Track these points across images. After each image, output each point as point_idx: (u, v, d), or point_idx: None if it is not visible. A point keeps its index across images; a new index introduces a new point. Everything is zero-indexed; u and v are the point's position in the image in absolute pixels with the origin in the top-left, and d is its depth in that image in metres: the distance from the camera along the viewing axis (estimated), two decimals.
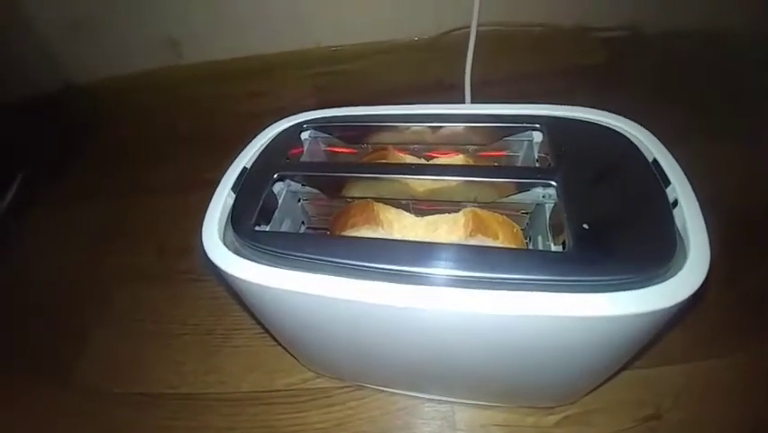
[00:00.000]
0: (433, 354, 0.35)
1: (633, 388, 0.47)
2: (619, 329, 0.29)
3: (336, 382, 0.51)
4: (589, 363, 0.34)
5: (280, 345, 0.50)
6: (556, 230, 0.33)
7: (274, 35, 0.91)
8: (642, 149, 0.35)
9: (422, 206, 0.38)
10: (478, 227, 0.33)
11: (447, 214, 0.35)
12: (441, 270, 0.29)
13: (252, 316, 0.42)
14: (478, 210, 0.34)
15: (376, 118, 0.42)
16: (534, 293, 0.27)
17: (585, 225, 0.30)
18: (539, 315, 0.27)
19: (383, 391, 0.50)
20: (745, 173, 0.64)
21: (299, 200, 0.43)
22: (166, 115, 0.91)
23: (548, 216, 0.35)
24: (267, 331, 0.45)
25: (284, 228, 0.40)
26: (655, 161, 0.34)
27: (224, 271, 0.32)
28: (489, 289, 0.28)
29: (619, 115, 0.38)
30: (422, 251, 0.30)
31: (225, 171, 0.39)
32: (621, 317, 0.26)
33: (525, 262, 0.28)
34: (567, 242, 0.30)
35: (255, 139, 0.41)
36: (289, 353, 0.51)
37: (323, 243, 0.33)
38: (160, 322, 0.60)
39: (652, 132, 0.37)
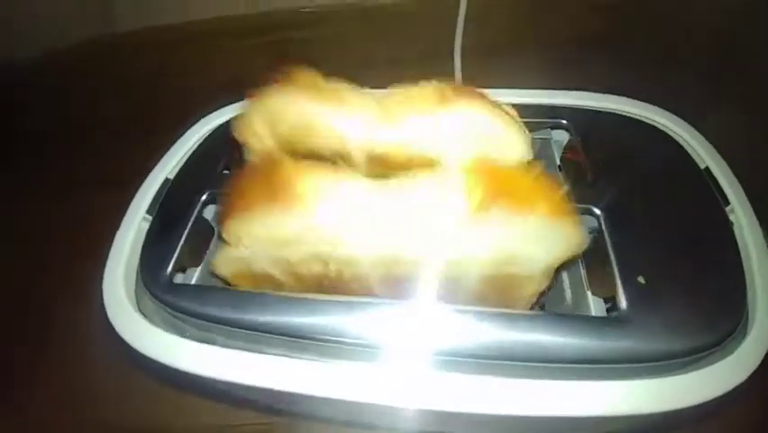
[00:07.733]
0: None
1: None
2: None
3: None
4: None
5: None
6: (596, 277, 0.24)
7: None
8: (691, 153, 0.28)
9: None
10: (495, 189, 0.18)
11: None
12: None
13: None
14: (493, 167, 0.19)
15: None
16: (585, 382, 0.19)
17: (641, 279, 0.21)
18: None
19: None
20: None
21: None
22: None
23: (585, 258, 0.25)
24: None
25: None
26: (708, 169, 0.27)
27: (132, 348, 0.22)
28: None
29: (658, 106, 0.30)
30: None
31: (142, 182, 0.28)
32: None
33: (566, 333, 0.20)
34: (618, 301, 0.21)
35: (185, 136, 0.30)
36: None
37: (269, 304, 0.22)
38: None
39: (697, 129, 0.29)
